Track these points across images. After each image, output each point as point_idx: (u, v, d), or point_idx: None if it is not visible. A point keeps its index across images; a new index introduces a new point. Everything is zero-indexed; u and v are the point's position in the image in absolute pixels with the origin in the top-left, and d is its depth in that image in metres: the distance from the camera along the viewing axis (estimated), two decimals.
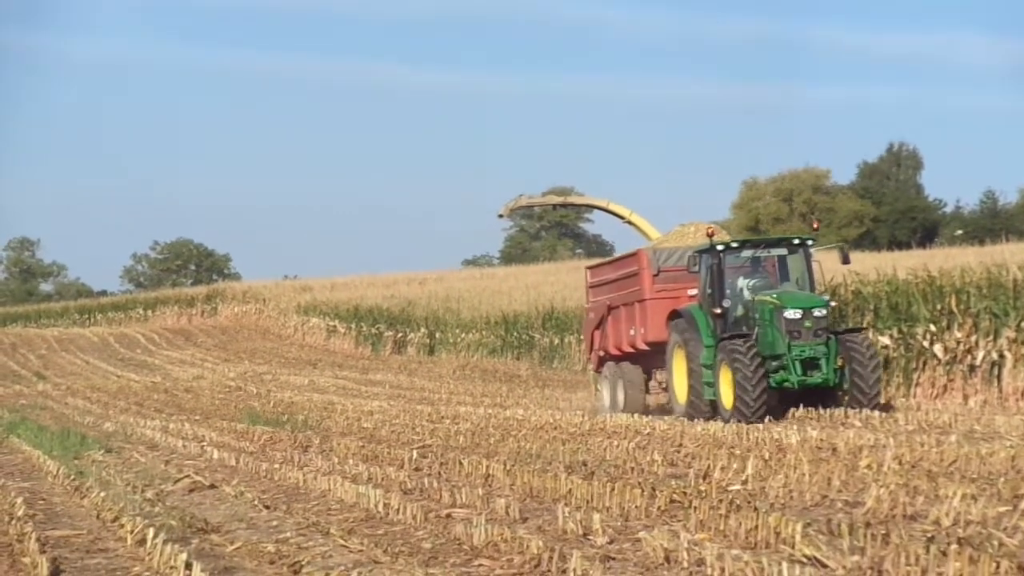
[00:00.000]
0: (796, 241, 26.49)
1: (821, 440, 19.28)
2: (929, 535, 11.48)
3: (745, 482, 15.34)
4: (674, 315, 26.75)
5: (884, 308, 30.79)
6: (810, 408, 24.55)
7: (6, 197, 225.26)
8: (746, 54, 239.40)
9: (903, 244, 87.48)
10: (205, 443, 24.47)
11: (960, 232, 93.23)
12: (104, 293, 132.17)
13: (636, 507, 13.78)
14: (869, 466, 16.06)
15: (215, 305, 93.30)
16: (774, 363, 24.64)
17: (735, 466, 16.44)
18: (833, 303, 26.66)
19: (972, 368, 28.52)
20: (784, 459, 16.99)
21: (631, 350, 29.39)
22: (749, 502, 13.62)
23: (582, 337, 49.57)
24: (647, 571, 10.88)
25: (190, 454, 23.12)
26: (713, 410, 25.12)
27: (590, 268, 33.68)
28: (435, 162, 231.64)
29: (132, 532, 13.28)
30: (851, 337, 24.95)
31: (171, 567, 11.27)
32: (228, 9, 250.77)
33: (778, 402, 24.66)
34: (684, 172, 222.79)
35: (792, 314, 24.64)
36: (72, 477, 18.96)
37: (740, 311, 25.89)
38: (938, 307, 29.48)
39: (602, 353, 30.89)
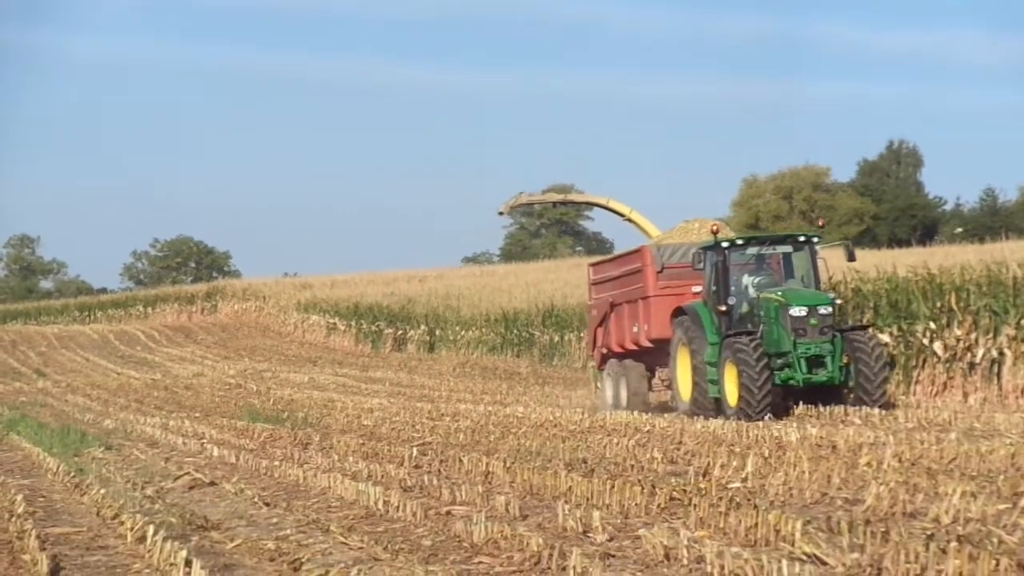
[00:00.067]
0: (802, 238, 26.42)
1: (821, 438, 19.29)
2: (929, 533, 11.49)
3: (745, 480, 15.34)
4: (678, 312, 26.66)
5: (884, 306, 30.79)
6: (809, 406, 24.55)
7: (6, 195, 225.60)
8: (746, 51, 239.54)
9: (903, 242, 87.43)
10: (205, 440, 24.48)
11: (960, 230, 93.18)
12: (104, 290, 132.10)
13: (636, 504, 13.78)
14: (869, 464, 16.06)
15: (215, 302, 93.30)
16: (779, 361, 24.56)
17: (735, 464, 16.45)
18: (839, 301, 26.61)
19: (972, 366, 28.53)
20: (784, 457, 16.99)
21: (634, 347, 29.31)
22: (749, 500, 13.63)
23: (583, 335, 49.72)
24: (647, 568, 10.88)
25: (190, 451, 23.13)
26: (717, 408, 25.03)
27: (593, 265, 33.58)
28: (435, 160, 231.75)
29: (132, 529, 13.28)
30: (857, 335, 24.85)
31: (171, 564, 11.28)
32: (228, 8, 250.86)
33: (782, 400, 24.61)
34: (684, 169, 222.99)
35: (797, 312, 24.58)
36: (72, 474, 18.96)
37: (745, 308, 25.81)
38: (938, 305, 29.48)
39: (605, 350, 30.82)
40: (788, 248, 26.51)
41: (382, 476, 17.38)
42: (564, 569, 10.69)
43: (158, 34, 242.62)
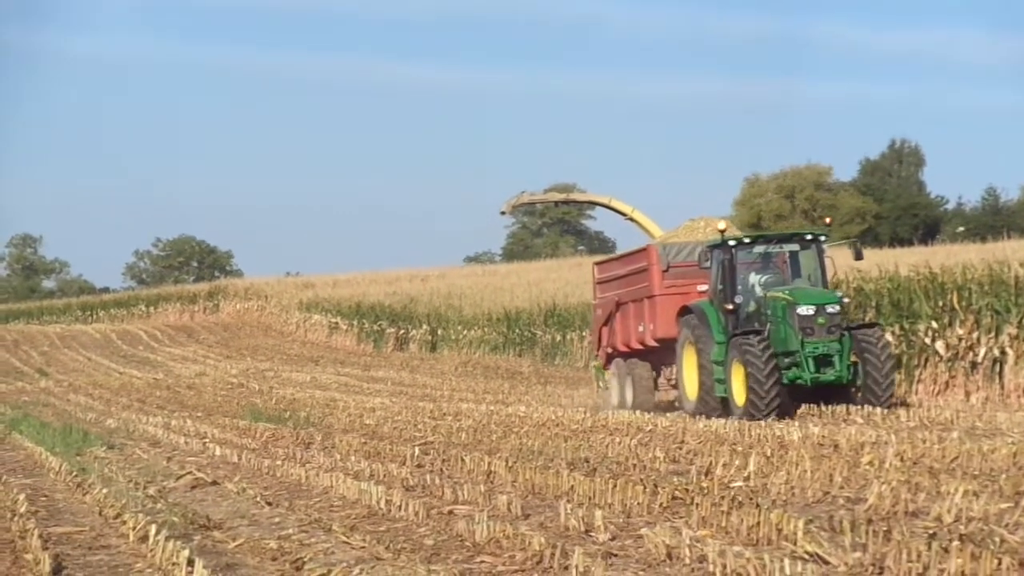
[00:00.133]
0: (809, 237, 26.33)
1: (823, 437, 19.29)
2: (931, 532, 11.49)
3: (747, 479, 15.34)
4: (684, 311, 26.53)
5: (886, 305, 30.80)
6: (811, 404, 24.52)
7: (9, 194, 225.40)
8: (747, 51, 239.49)
9: (905, 241, 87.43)
10: (207, 440, 24.48)
11: (962, 229, 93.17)
12: (106, 290, 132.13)
13: (638, 504, 13.78)
14: (871, 463, 16.06)
15: (217, 302, 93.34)
16: (786, 360, 24.43)
17: (737, 463, 16.44)
18: (847, 299, 26.53)
19: (974, 365, 28.54)
20: (786, 456, 16.99)
21: (640, 347, 29.19)
22: (751, 499, 13.63)
23: (584, 334, 49.72)
24: (649, 568, 10.88)
25: (192, 451, 23.14)
26: (724, 407, 24.94)
27: (598, 264, 33.47)
28: (437, 160, 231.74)
29: (134, 529, 13.29)
30: (865, 333, 24.69)
31: (173, 564, 11.28)
32: (228, 8, 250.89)
33: (790, 399, 24.53)
34: (685, 169, 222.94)
35: (805, 310, 24.47)
36: (74, 474, 18.97)
37: (752, 307, 25.69)
38: (940, 304, 29.48)
39: (610, 350, 30.73)
40: (795, 246, 26.39)
41: (384, 475, 17.39)
42: (566, 568, 10.69)
43: (158, 34, 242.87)
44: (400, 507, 14.31)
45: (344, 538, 12.64)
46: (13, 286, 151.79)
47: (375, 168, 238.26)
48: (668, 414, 25.96)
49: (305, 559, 11.61)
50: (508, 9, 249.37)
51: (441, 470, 18.09)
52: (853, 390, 24.62)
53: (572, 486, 15.04)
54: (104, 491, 16.42)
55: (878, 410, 23.30)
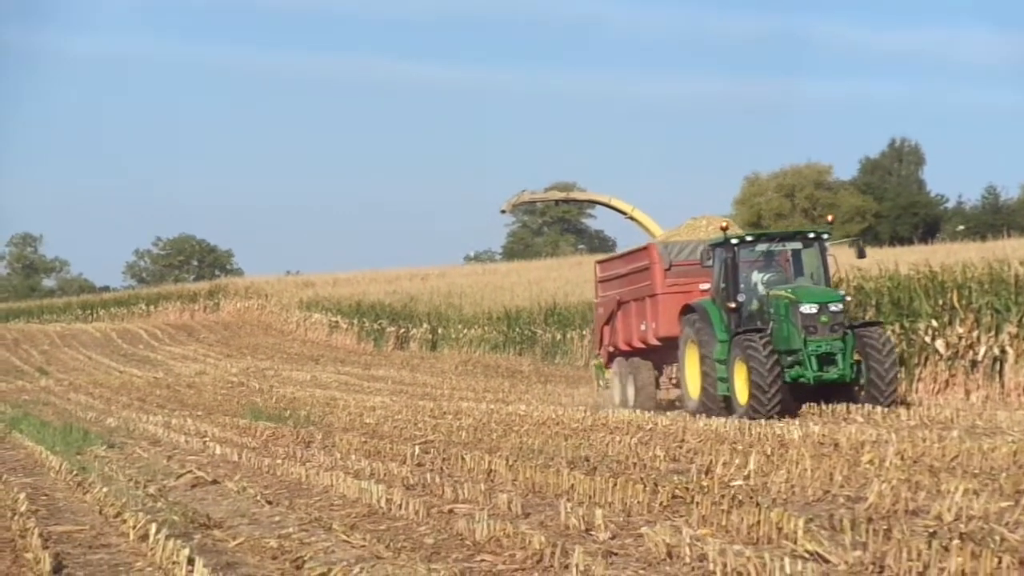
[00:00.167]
0: (811, 235, 26.29)
1: (823, 435, 19.28)
2: (931, 530, 11.49)
3: (747, 477, 15.34)
4: (687, 309, 26.48)
5: (886, 303, 30.79)
6: (811, 403, 24.51)
7: (9, 193, 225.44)
8: (747, 50, 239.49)
9: (905, 240, 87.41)
10: (207, 439, 24.49)
11: (962, 228, 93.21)
12: (106, 289, 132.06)
13: (638, 503, 13.78)
14: (871, 461, 16.06)
15: (217, 301, 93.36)
16: (789, 358, 24.38)
17: (737, 461, 16.44)
18: (849, 298, 26.48)
19: (974, 363, 28.54)
20: (786, 454, 16.99)
21: (642, 345, 29.16)
22: (751, 497, 13.62)
23: (584, 333, 49.71)
24: (649, 567, 10.88)
25: (192, 450, 23.14)
26: (726, 406, 24.90)
27: (600, 262, 33.43)
28: (437, 159, 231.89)
29: (135, 528, 13.29)
30: (868, 332, 24.63)
31: (173, 563, 11.28)
32: (228, 7, 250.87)
33: (792, 397, 24.50)
34: (686, 168, 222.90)
35: (808, 309, 24.41)
36: (74, 473, 18.97)
37: (755, 306, 25.64)
38: (940, 302, 29.48)
39: (612, 348, 30.69)
40: (798, 245, 26.32)
41: (384, 474, 17.39)
42: (566, 567, 10.69)
43: (158, 33, 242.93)
44: (400, 506, 14.30)
45: (344, 537, 12.64)
46: (13, 285, 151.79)
47: (375, 167, 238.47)
48: (668, 413, 25.95)
49: (305, 558, 11.61)
50: (508, 9, 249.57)
51: (441, 469, 18.09)
52: (856, 389, 24.57)
53: (572, 485, 15.04)
54: (104, 490, 16.42)
55: (878, 409, 23.29)
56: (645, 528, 11.92)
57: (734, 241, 25.85)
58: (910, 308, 30.13)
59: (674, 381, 28.65)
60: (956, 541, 10.28)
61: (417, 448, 20.27)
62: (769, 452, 17.44)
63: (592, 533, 12.33)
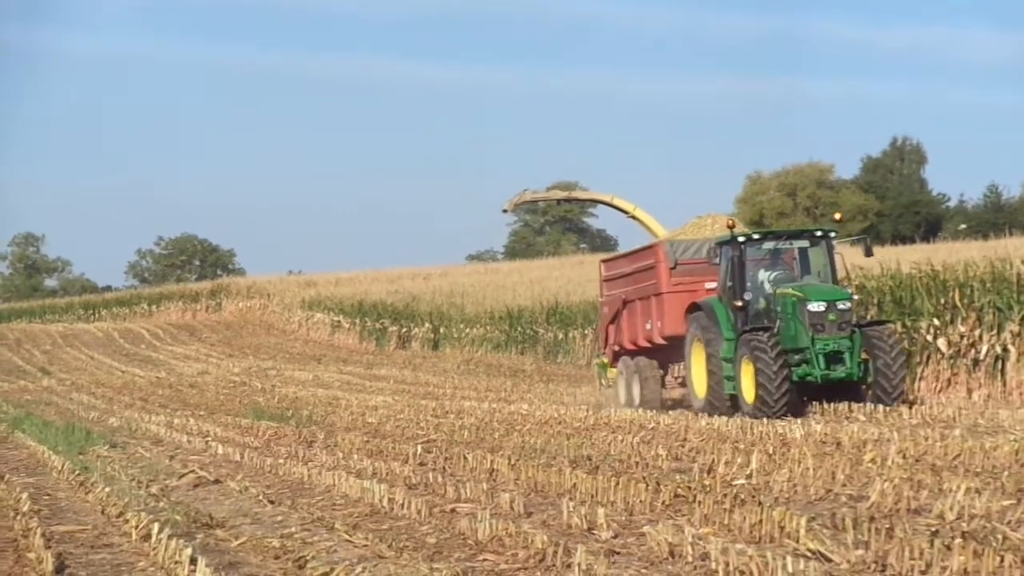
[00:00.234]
0: (819, 233, 26.22)
1: (825, 434, 19.28)
2: (933, 529, 11.48)
3: (749, 476, 15.34)
4: (693, 308, 26.39)
5: (888, 302, 30.78)
6: (814, 402, 24.48)
7: (11, 193, 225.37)
8: (748, 49, 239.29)
9: (907, 238, 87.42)
10: (210, 438, 24.49)
11: (964, 226, 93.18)
12: (108, 288, 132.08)
13: (640, 501, 13.78)
14: (873, 460, 16.06)
15: (219, 300, 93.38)
16: (796, 356, 24.27)
17: (739, 460, 16.44)
18: (856, 296, 26.44)
19: (976, 362, 28.53)
20: (788, 453, 16.98)
21: (647, 344, 29.06)
22: (753, 496, 13.62)
23: (587, 332, 49.71)
24: (651, 565, 10.89)
25: (195, 449, 23.15)
26: (733, 405, 24.84)
27: (605, 261, 33.34)
28: (438, 158, 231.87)
29: (137, 527, 13.30)
30: (875, 330, 24.54)
31: (176, 562, 11.28)
32: (228, 7, 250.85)
33: (799, 396, 24.41)
34: (687, 167, 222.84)
35: (816, 307, 24.31)
36: (77, 472, 18.98)
37: (761, 304, 25.54)
38: (942, 301, 29.47)
39: (617, 348, 30.63)
40: (805, 243, 26.21)
41: (387, 474, 17.39)
42: (569, 566, 10.69)
43: (158, 33, 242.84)
44: (402, 505, 14.31)
45: (346, 536, 12.65)
46: (16, 285, 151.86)
47: (377, 167, 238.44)
48: (670, 412, 25.93)
49: (307, 557, 11.61)
50: (509, 7, 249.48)
51: (443, 468, 18.09)
52: (863, 387, 24.50)
53: (574, 484, 15.04)
54: (106, 490, 16.43)
55: (880, 407, 23.27)
56: (647, 527, 11.92)
57: (741, 239, 25.72)
58: (912, 307, 30.11)
59: (679, 380, 28.58)
60: (958, 540, 10.28)
61: (419, 447, 20.27)
62: (771, 451, 17.44)
63: (594, 532, 12.33)
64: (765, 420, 22.29)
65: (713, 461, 16.73)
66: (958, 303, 29.03)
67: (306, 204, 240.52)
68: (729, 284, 25.78)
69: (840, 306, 24.38)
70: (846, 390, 24.47)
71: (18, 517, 14.58)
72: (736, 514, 12.21)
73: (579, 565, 10.46)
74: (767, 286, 25.72)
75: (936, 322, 29.32)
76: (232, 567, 11.67)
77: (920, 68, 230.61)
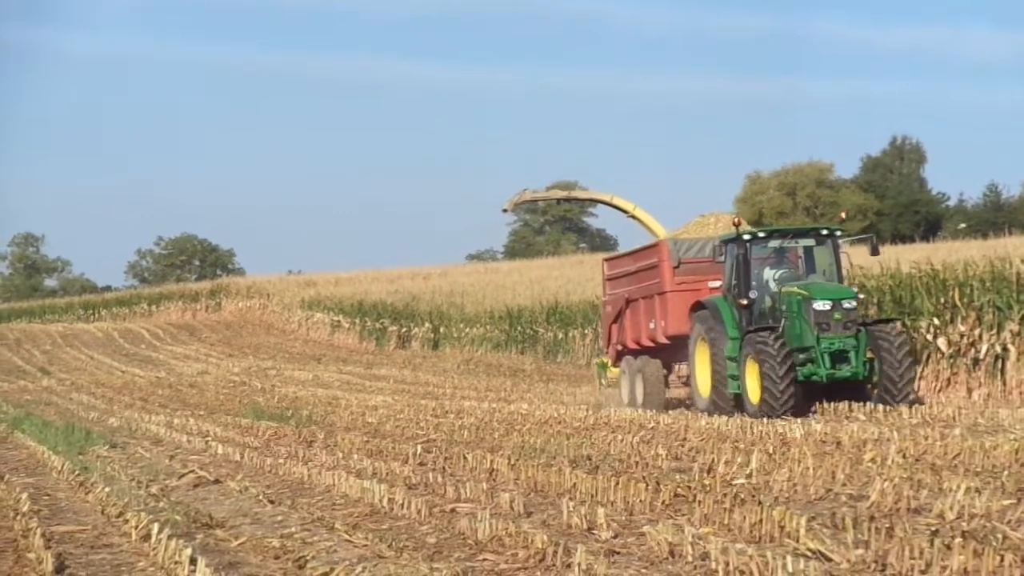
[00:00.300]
0: (824, 232, 26.14)
1: (825, 434, 19.27)
2: (933, 528, 11.48)
3: (749, 476, 15.34)
4: (697, 307, 26.28)
5: (887, 302, 30.77)
6: (819, 401, 24.42)
7: (11, 193, 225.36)
8: (749, 48, 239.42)
9: (906, 238, 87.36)
10: (209, 438, 24.49)
11: (963, 226, 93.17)
12: (108, 288, 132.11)
13: (640, 501, 13.78)
14: (873, 460, 16.05)
15: (219, 300, 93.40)
16: (801, 356, 24.15)
17: (739, 460, 16.43)
18: (862, 295, 26.33)
19: (976, 361, 28.53)
20: (788, 453, 16.98)
21: (650, 344, 28.94)
22: (753, 496, 13.62)
23: (587, 331, 49.71)
24: (651, 565, 10.88)
25: (194, 449, 23.14)
26: (737, 404, 24.78)
27: (608, 260, 33.23)
28: (438, 158, 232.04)
29: (137, 527, 13.29)
30: (881, 329, 24.45)
31: (176, 562, 11.28)
32: (228, 7, 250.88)
33: (804, 396, 24.33)
34: (687, 166, 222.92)
35: (821, 306, 24.21)
36: (77, 472, 18.98)
37: (766, 303, 25.43)
38: (942, 300, 29.47)
39: (620, 347, 30.53)
40: (811, 241, 26.08)
41: (386, 473, 17.39)
42: (569, 566, 10.69)
43: (158, 32, 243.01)
44: (402, 505, 14.31)
45: (346, 536, 12.64)
46: (15, 285, 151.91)
47: (376, 166, 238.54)
48: (670, 411, 25.92)
49: (307, 557, 11.61)
50: (509, 6, 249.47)
51: (443, 468, 18.08)
52: (869, 387, 24.42)
53: (574, 484, 15.04)
54: (106, 490, 16.42)
55: (880, 407, 23.23)
56: (647, 527, 11.92)
57: (746, 237, 25.59)
58: (912, 306, 30.11)
59: (683, 379, 28.51)
60: (958, 539, 10.27)
61: (419, 447, 20.27)
62: (771, 450, 17.43)
63: (594, 532, 12.33)
64: (765, 420, 22.28)
65: (713, 461, 16.72)
66: (958, 302, 29.03)
67: (306, 204, 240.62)
68: (734, 282, 25.68)
69: (846, 305, 24.28)
70: (851, 389, 24.38)
71: (18, 517, 14.57)
72: (736, 514, 12.21)
73: (579, 565, 10.45)
74: (772, 285, 25.61)
75: (936, 321, 29.32)
76: (232, 567, 11.67)
77: (920, 68, 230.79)
